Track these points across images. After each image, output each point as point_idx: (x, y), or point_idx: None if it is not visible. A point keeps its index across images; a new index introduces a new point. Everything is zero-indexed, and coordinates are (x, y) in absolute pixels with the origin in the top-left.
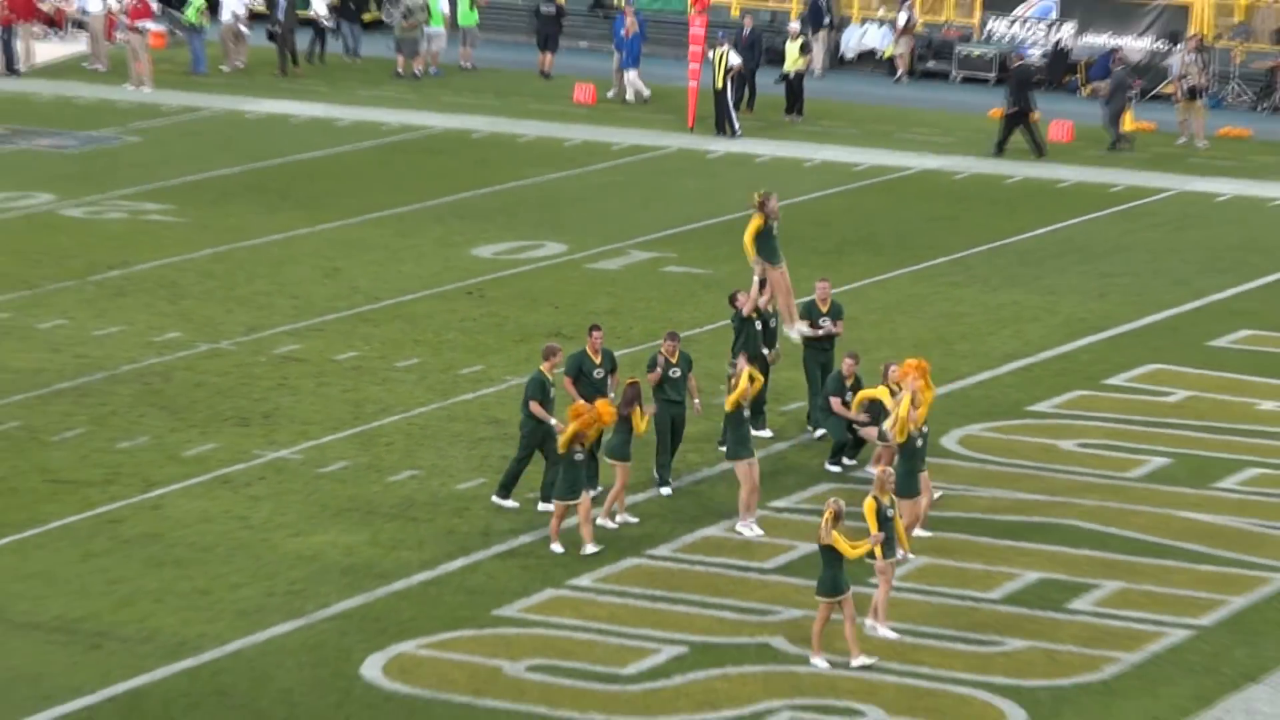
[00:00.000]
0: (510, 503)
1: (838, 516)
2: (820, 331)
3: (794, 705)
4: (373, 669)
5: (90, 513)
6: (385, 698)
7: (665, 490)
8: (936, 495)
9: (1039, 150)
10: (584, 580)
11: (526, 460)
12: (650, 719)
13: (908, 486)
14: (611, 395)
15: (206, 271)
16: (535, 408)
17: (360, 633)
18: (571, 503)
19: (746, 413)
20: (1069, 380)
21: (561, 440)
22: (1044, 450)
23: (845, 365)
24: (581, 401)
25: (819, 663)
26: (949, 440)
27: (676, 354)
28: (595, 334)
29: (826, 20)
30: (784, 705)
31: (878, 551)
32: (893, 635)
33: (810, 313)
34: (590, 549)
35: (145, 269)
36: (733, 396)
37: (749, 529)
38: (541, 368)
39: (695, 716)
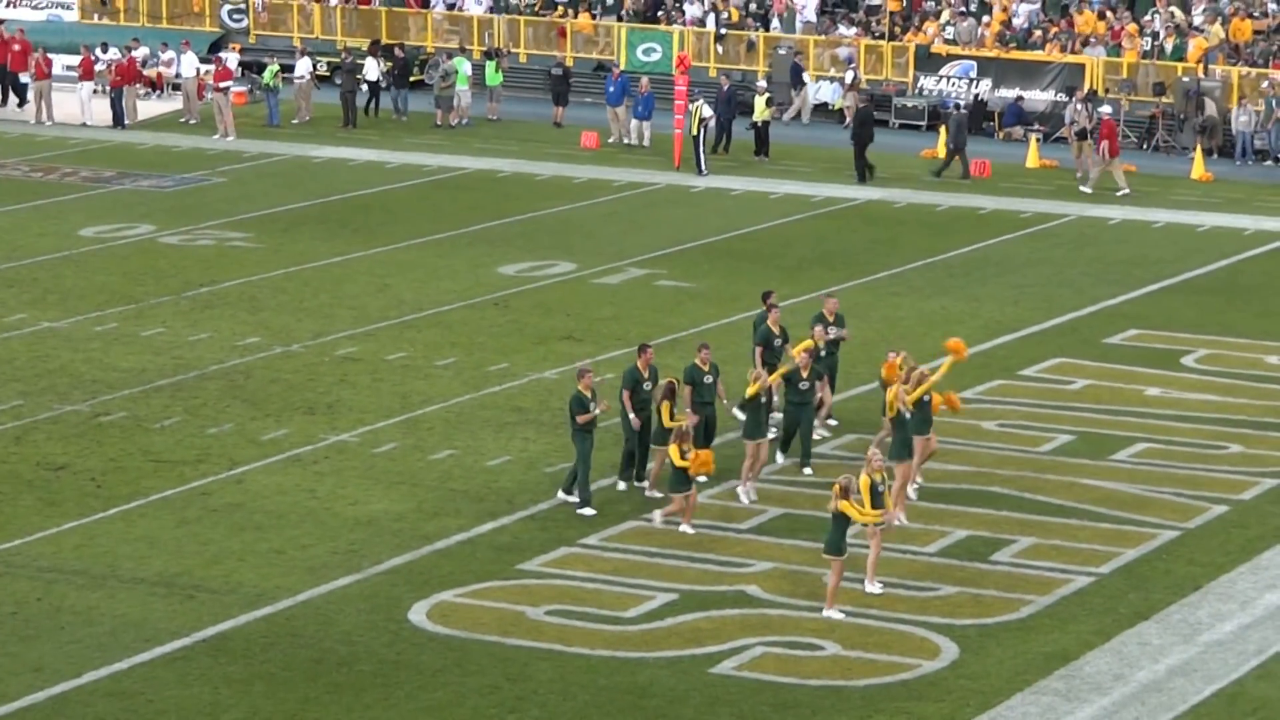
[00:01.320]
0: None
1: (845, 491)
2: (831, 335)
3: (765, 641)
4: (418, 614)
5: (185, 487)
6: (429, 638)
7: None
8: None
9: (966, 176)
10: (592, 540)
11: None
12: (647, 653)
13: (899, 453)
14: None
15: (280, 288)
16: (585, 386)
17: (408, 584)
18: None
19: (763, 398)
20: (989, 372)
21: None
22: (969, 429)
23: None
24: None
25: (834, 614)
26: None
27: (709, 363)
28: (646, 352)
29: (804, 79)
30: (757, 641)
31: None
32: (878, 590)
33: (820, 321)
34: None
35: (229, 286)
36: (753, 388)
37: (747, 495)
38: (636, 364)
39: (684, 651)
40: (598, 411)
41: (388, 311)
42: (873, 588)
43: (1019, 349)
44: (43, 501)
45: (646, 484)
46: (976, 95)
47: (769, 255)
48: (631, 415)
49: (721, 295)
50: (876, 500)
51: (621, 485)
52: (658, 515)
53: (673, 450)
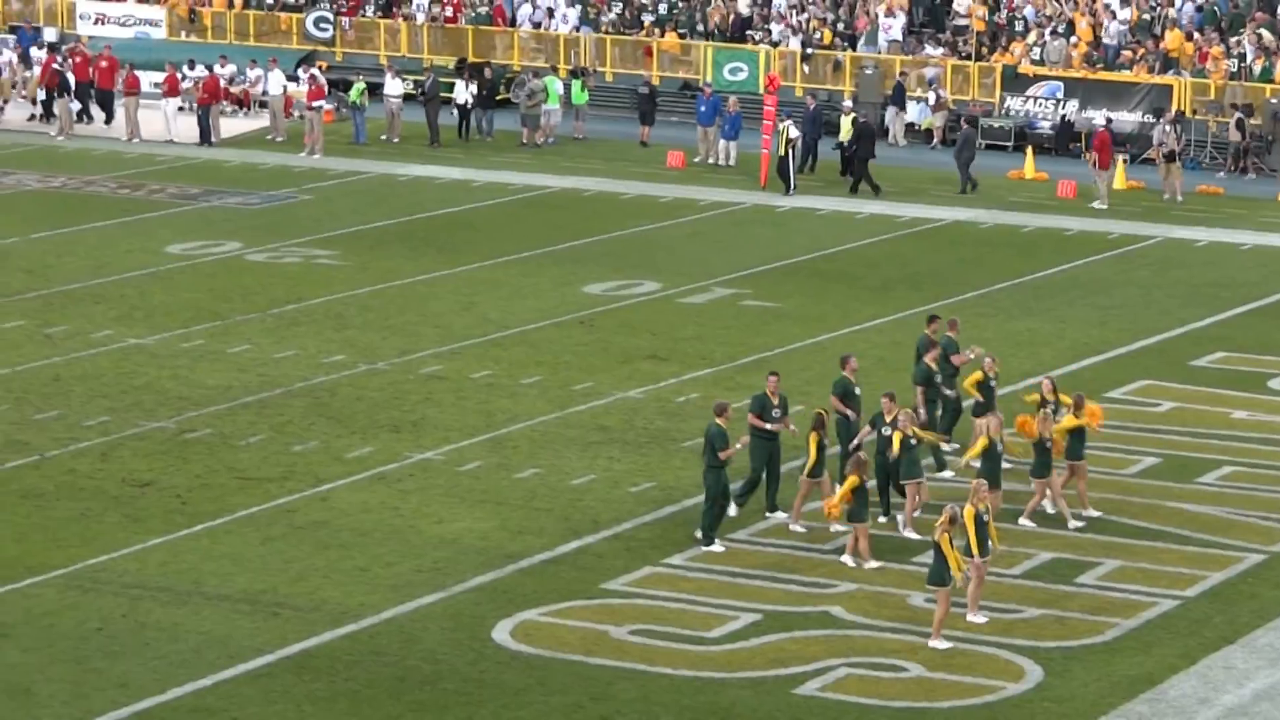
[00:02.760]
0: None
1: (952, 520)
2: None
3: (849, 663)
4: (502, 633)
5: (269, 504)
6: (512, 657)
7: (737, 505)
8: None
9: (974, 187)
10: (676, 559)
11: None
12: (731, 674)
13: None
14: (793, 429)
15: (365, 305)
16: (753, 419)
17: (492, 603)
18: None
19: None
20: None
21: (841, 494)
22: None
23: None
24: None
25: (939, 644)
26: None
27: (777, 393)
28: (772, 379)
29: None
30: (841, 663)
31: (974, 549)
32: (983, 620)
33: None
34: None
35: (315, 303)
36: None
37: (908, 532)
38: (765, 390)
39: (768, 672)
40: (739, 448)
41: (473, 330)
42: (976, 618)
43: (1105, 371)
44: (128, 518)
45: (780, 514)
46: (1063, 116)
47: (855, 275)
48: (741, 444)
49: (807, 316)
50: (981, 530)
51: (733, 510)
52: (846, 558)
53: (853, 480)
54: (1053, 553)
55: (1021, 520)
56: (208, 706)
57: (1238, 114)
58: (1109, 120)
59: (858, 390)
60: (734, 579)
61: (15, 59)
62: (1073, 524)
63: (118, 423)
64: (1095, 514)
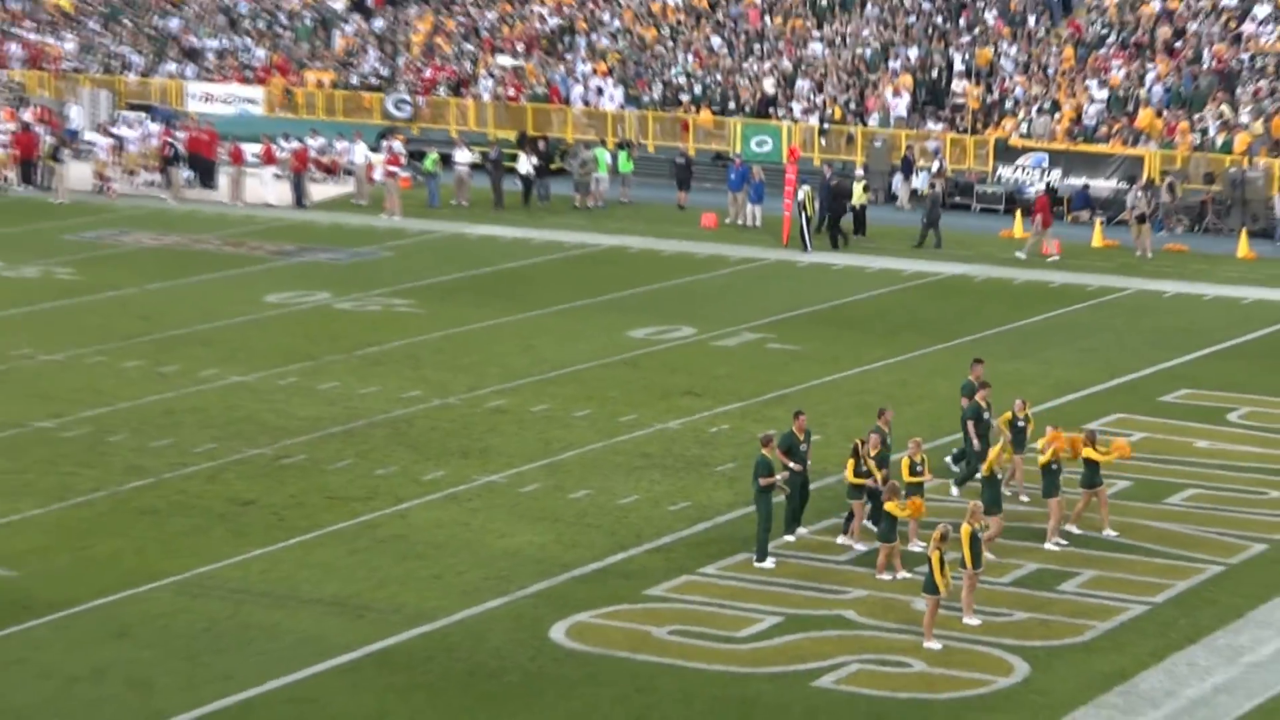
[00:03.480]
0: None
1: (944, 538)
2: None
3: (860, 659)
4: (558, 632)
5: (355, 520)
6: (567, 653)
7: (789, 537)
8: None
9: (938, 244)
10: (710, 569)
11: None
12: (756, 669)
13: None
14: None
15: (438, 348)
16: (781, 455)
17: (549, 606)
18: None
19: (1000, 475)
20: (1058, 426)
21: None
22: (1039, 476)
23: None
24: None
25: (933, 645)
26: (948, 461)
27: (804, 430)
28: (800, 418)
29: (914, 169)
30: (853, 659)
31: (968, 562)
32: (976, 622)
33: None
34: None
35: (394, 346)
36: (986, 464)
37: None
38: (792, 428)
39: (789, 667)
40: (778, 480)
41: (531, 369)
42: (970, 620)
43: (1084, 406)
44: (232, 532)
45: (802, 530)
46: (1049, 183)
47: (866, 322)
48: (780, 476)
49: (824, 357)
50: (975, 546)
51: (791, 536)
52: (883, 574)
53: (892, 506)
54: (1038, 564)
55: (1047, 545)
56: (301, 697)
57: (1169, 178)
58: (1052, 188)
59: (803, 447)
60: (760, 586)
61: (147, 133)
62: (1049, 545)
63: (222, 449)
64: (1113, 534)
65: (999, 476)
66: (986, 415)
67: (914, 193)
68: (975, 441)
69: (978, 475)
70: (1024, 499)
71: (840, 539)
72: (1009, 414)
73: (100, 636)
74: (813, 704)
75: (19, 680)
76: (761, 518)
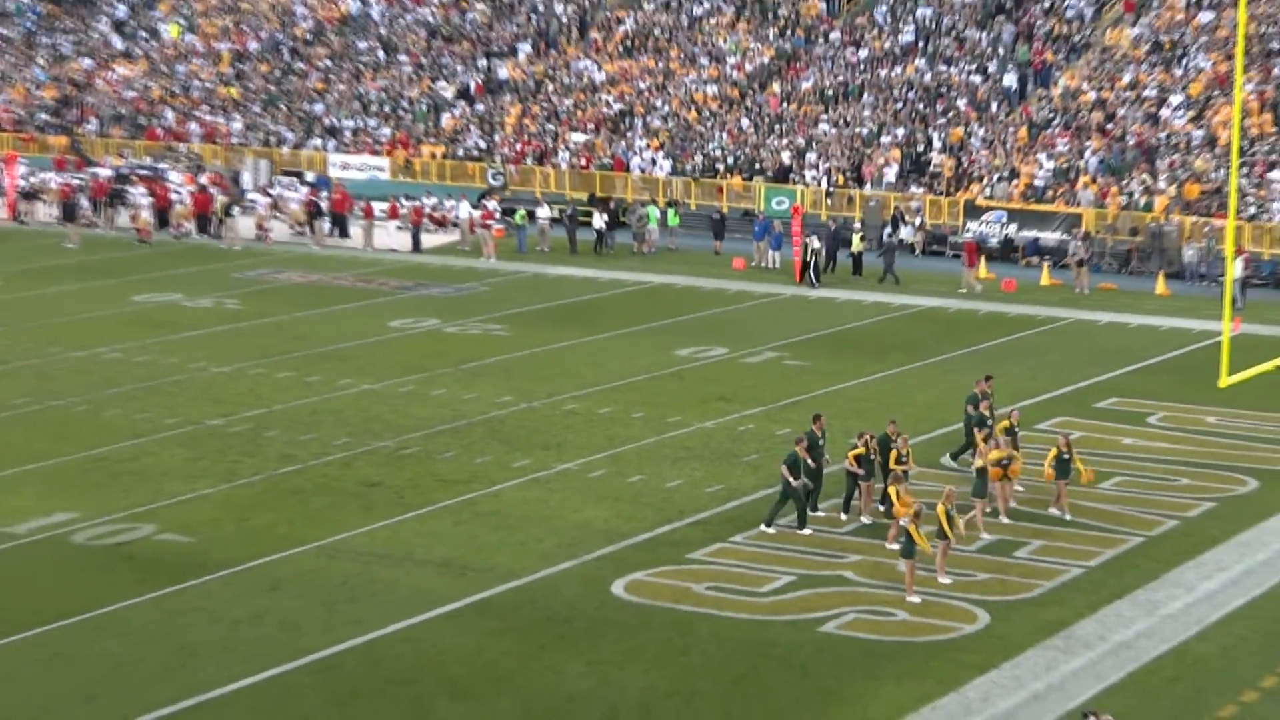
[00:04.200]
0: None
1: (917, 514)
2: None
3: (856, 610)
4: (618, 588)
5: (459, 499)
6: (624, 604)
7: (805, 531)
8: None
9: (896, 281)
10: (738, 538)
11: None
12: (774, 617)
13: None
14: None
15: (525, 362)
16: (801, 449)
17: (610, 567)
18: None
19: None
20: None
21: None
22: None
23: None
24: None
25: (913, 599)
26: (946, 460)
27: (823, 430)
28: (819, 420)
29: (902, 224)
30: (851, 610)
31: (948, 532)
32: (948, 581)
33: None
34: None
35: (490, 361)
36: (981, 459)
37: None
38: (812, 428)
39: (800, 615)
40: (801, 482)
41: (598, 379)
42: (943, 579)
43: (1034, 410)
44: (361, 508)
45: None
46: (1006, 235)
47: (862, 344)
48: (795, 479)
49: (828, 371)
50: (949, 522)
51: (807, 530)
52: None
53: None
54: (997, 535)
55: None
56: (416, 637)
57: (1083, 230)
58: (983, 237)
59: (821, 443)
60: (777, 551)
61: (304, 195)
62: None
63: (355, 442)
64: (1060, 513)
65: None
66: (989, 421)
67: (900, 241)
68: (983, 445)
69: (971, 465)
70: (1064, 516)
71: (843, 515)
72: (1006, 421)
73: (258, 589)
74: (819, 645)
75: (195, 623)
76: (797, 500)
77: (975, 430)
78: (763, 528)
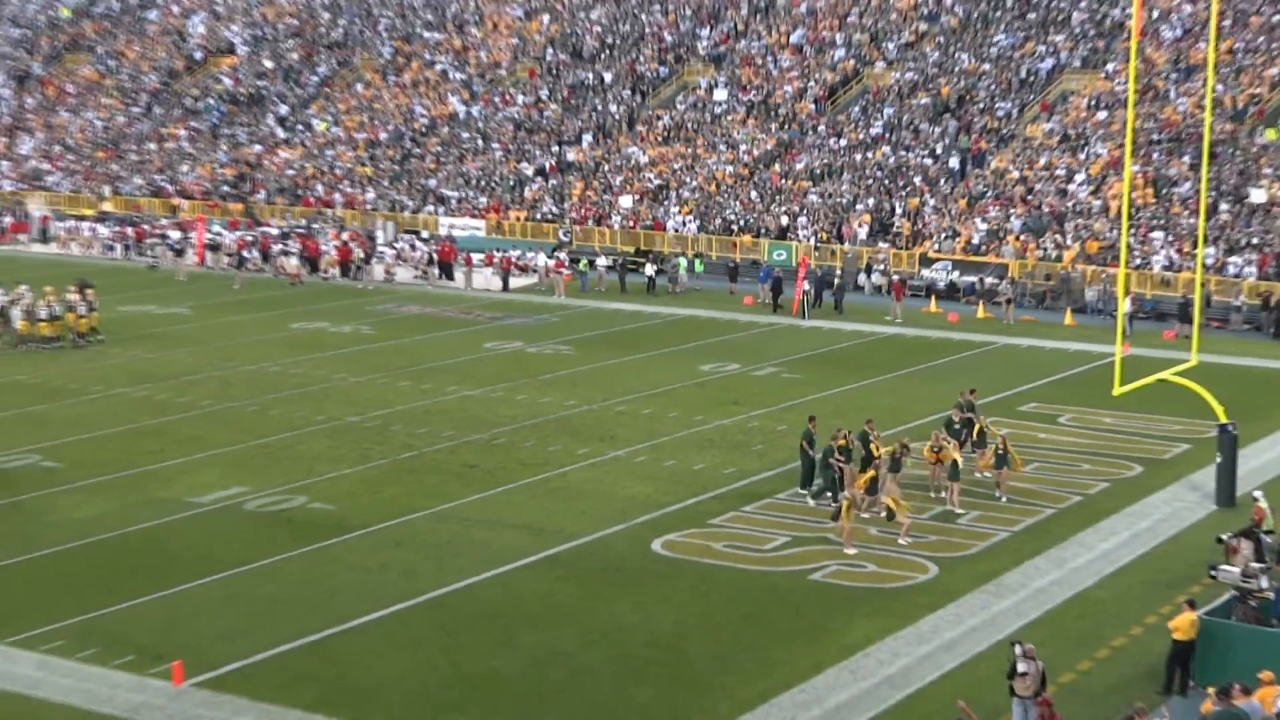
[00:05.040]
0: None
1: (853, 503)
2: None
3: (837, 564)
4: (657, 545)
5: (535, 478)
6: (661, 558)
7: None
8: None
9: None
10: (748, 508)
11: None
12: (775, 568)
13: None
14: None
15: (587, 375)
16: (804, 443)
17: (651, 530)
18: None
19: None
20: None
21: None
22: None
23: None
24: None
25: (850, 550)
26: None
27: (815, 427)
28: (813, 420)
29: (867, 271)
30: (833, 563)
31: (901, 511)
32: (907, 542)
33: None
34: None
35: (560, 374)
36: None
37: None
38: (808, 426)
39: (794, 567)
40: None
41: (641, 388)
42: (904, 541)
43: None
44: (462, 484)
45: (814, 490)
46: (951, 280)
47: (843, 361)
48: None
49: (818, 382)
50: (899, 506)
51: (812, 503)
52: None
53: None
54: (944, 507)
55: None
56: (503, 583)
57: (1009, 276)
58: (933, 281)
59: (815, 437)
60: (777, 518)
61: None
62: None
63: (457, 435)
64: (1004, 500)
65: (986, 475)
66: (956, 425)
67: (845, 285)
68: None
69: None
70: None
71: (811, 491)
72: (979, 425)
73: (384, 545)
74: (808, 590)
75: (337, 571)
76: (828, 481)
77: (944, 431)
78: (798, 489)
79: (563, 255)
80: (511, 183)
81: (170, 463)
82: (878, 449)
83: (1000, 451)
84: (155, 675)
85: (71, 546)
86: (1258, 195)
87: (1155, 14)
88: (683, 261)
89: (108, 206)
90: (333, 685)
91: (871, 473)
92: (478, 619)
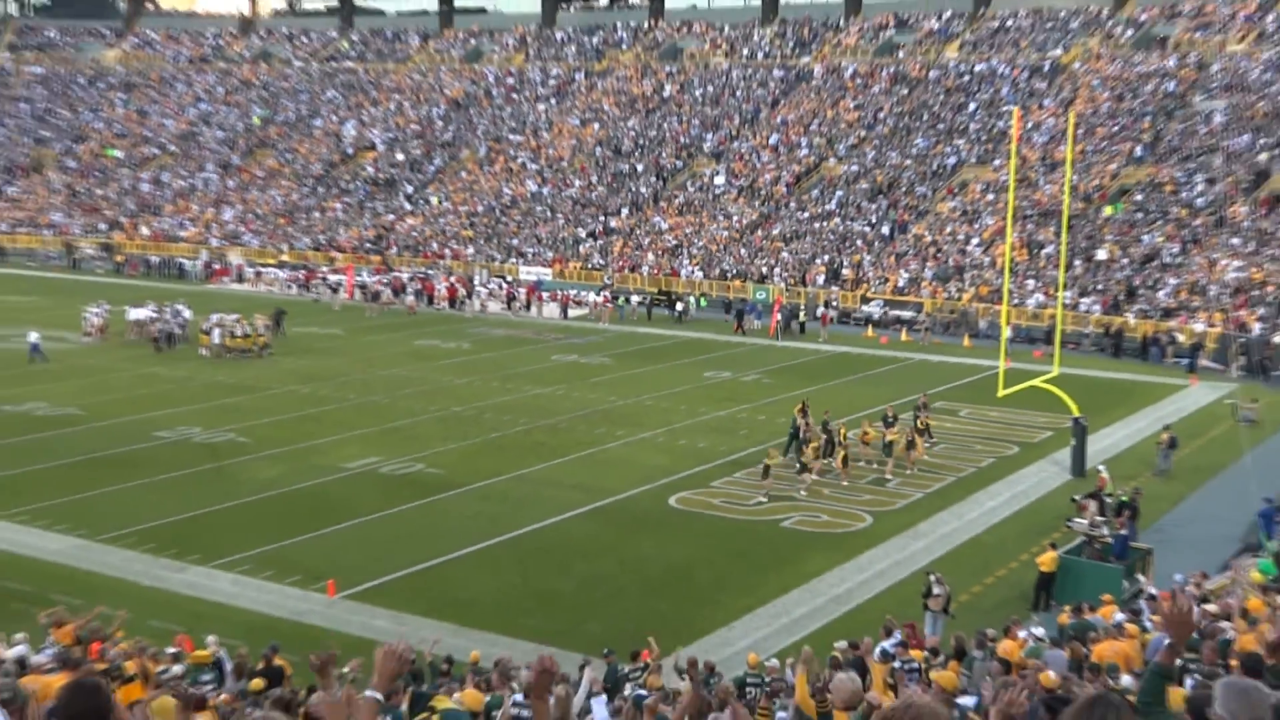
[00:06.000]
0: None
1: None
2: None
3: (801, 515)
4: (673, 501)
5: (585, 452)
6: (675, 510)
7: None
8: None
9: (783, 332)
10: (738, 475)
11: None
12: (756, 518)
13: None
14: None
15: (623, 379)
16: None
17: (668, 489)
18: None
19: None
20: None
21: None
22: (878, 436)
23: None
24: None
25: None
26: (853, 434)
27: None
28: (799, 408)
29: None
30: (797, 514)
31: (840, 465)
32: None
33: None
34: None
35: (605, 378)
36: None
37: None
38: (794, 413)
39: (770, 517)
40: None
41: (661, 388)
42: (845, 482)
43: (901, 407)
44: (533, 456)
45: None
46: (884, 311)
47: (806, 370)
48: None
49: (789, 385)
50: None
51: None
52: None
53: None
54: (876, 475)
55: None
56: (562, 527)
57: (925, 312)
58: (869, 314)
59: (799, 424)
60: (760, 482)
61: (502, 286)
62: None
63: (530, 421)
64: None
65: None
66: (889, 418)
67: (801, 315)
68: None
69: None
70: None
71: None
72: (921, 423)
73: (476, 499)
74: (777, 534)
75: (443, 518)
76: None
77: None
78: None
79: (607, 293)
80: (570, 242)
81: (326, 439)
82: (843, 432)
83: (909, 439)
84: (315, 590)
85: (257, 498)
86: (1101, 254)
87: (1029, 124)
88: (691, 300)
89: (285, 257)
90: (440, 598)
91: (816, 442)
92: (543, 551)
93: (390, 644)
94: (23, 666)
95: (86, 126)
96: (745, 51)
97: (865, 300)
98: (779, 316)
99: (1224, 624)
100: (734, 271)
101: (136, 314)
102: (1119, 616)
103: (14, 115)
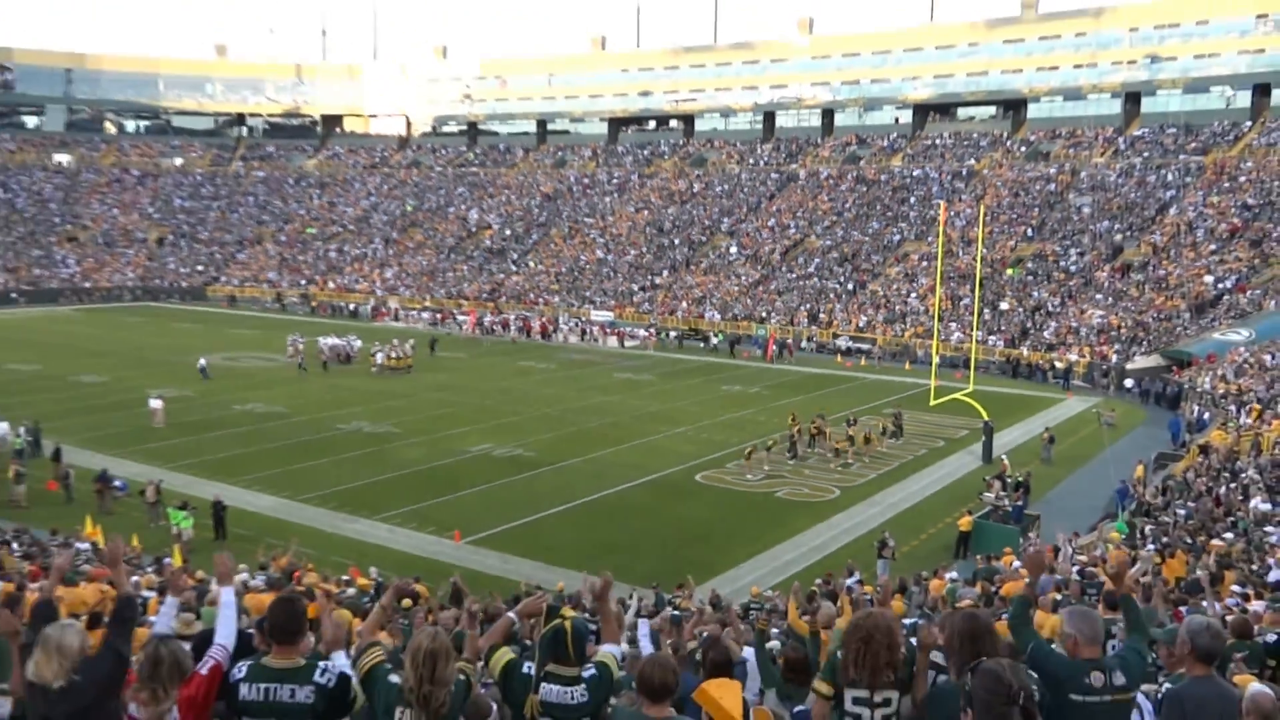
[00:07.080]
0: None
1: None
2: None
3: (790, 489)
4: (699, 478)
5: (633, 443)
6: (700, 484)
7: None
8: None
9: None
10: (743, 460)
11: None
12: (754, 490)
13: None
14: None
15: (664, 390)
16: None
17: (695, 469)
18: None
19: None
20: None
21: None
22: (841, 435)
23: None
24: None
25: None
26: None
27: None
28: (790, 417)
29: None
30: (787, 488)
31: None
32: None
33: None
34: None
35: (651, 390)
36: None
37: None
38: (789, 421)
39: (765, 490)
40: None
41: (691, 397)
42: (837, 464)
43: (862, 413)
44: (601, 444)
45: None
46: (849, 346)
47: (794, 385)
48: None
49: (781, 395)
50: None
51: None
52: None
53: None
54: (842, 462)
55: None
56: (621, 495)
57: (879, 344)
58: (838, 346)
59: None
60: (743, 465)
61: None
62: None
63: (599, 419)
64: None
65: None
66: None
67: (811, 348)
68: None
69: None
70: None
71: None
72: (886, 423)
73: (559, 474)
74: (775, 502)
75: (536, 488)
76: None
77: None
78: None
79: (652, 330)
80: (627, 293)
81: (454, 430)
82: (834, 432)
83: (867, 436)
84: (445, 537)
85: (405, 473)
86: (1004, 305)
87: (953, 213)
88: (710, 335)
89: (427, 303)
90: (534, 544)
91: (833, 439)
92: (608, 513)
93: (529, 599)
94: (246, 587)
95: (293, 213)
96: (751, 160)
97: (835, 336)
98: (774, 347)
99: (1092, 569)
100: (742, 315)
101: (325, 342)
102: (1016, 564)
103: (244, 205)
